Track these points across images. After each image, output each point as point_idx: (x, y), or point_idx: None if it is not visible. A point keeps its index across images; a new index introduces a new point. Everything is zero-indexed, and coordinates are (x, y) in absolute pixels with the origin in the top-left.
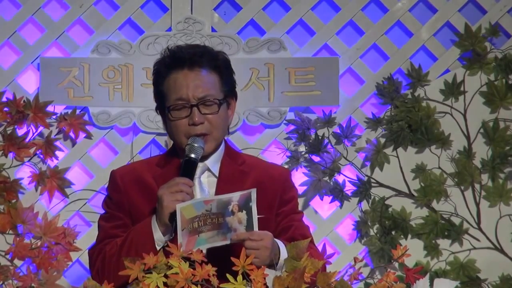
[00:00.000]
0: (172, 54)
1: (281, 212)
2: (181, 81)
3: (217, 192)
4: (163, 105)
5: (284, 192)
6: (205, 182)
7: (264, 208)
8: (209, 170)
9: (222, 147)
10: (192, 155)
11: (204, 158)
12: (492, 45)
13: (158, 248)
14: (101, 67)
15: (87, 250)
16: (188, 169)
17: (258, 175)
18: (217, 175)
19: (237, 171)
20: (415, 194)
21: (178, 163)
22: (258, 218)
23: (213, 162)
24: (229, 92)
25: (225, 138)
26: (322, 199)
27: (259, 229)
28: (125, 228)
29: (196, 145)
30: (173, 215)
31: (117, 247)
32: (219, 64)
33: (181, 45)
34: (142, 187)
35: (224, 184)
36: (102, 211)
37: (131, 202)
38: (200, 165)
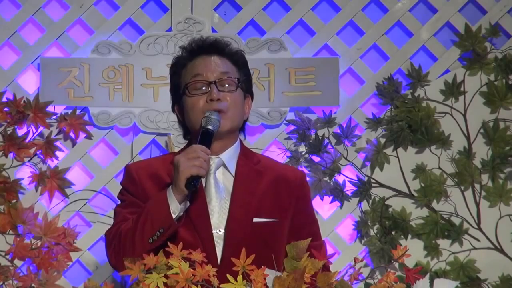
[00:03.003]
0: (190, 46)
1: (297, 223)
2: (199, 63)
3: (234, 191)
4: (179, 94)
5: (299, 198)
6: (220, 178)
7: (277, 211)
8: (224, 166)
9: (237, 144)
10: (209, 126)
11: (219, 152)
12: (492, 45)
13: (174, 216)
14: (101, 67)
15: (87, 251)
16: (205, 140)
17: (273, 176)
18: (233, 173)
19: (253, 170)
20: (415, 194)
21: None
22: (270, 222)
23: (229, 159)
24: (246, 84)
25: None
26: (322, 199)
27: (271, 234)
28: None
29: (213, 117)
30: (189, 181)
31: (132, 222)
32: (238, 58)
33: (200, 37)
34: (157, 183)
35: (240, 183)
36: (118, 202)
37: (146, 195)
38: (215, 160)
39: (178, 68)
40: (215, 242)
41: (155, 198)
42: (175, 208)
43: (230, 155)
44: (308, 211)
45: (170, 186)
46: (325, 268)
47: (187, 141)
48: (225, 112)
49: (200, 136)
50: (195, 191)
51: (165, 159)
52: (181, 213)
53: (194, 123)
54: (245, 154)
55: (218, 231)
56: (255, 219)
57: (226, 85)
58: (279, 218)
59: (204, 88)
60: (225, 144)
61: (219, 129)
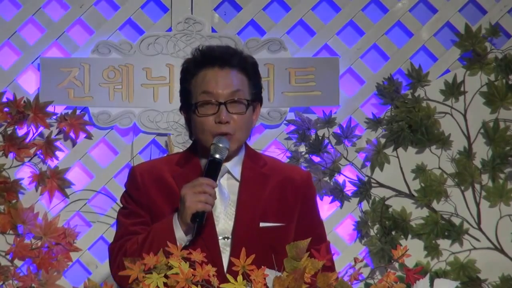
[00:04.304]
0: (203, 53)
1: (303, 226)
2: (210, 77)
3: (240, 196)
4: (188, 103)
5: (305, 200)
6: (225, 184)
7: (284, 215)
8: (229, 172)
9: (242, 148)
10: (217, 156)
11: (225, 160)
12: (492, 45)
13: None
14: (101, 67)
15: (87, 251)
16: (212, 170)
17: (279, 179)
18: (238, 178)
19: (258, 174)
20: (415, 194)
21: (198, 162)
22: (277, 226)
23: (234, 165)
24: (256, 95)
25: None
26: (322, 200)
27: (278, 238)
28: (145, 226)
29: (221, 145)
30: (195, 216)
31: (138, 245)
32: (248, 67)
33: (212, 45)
34: (162, 186)
35: (246, 188)
36: (121, 206)
37: (150, 200)
38: None
39: (188, 75)
40: (222, 249)
41: (162, 225)
42: (180, 237)
43: (235, 161)
44: (314, 213)
45: (177, 213)
46: (330, 269)
47: (186, 141)
48: (232, 135)
49: (207, 165)
50: (200, 225)
51: (170, 160)
52: (187, 243)
53: (202, 141)
54: (250, 157)
55: (225, 237)
56: (261, 224)
57: (236, 106)
58: (285, 222)
59: (213, 107)
60: (230, 154)
61: (228, 152)
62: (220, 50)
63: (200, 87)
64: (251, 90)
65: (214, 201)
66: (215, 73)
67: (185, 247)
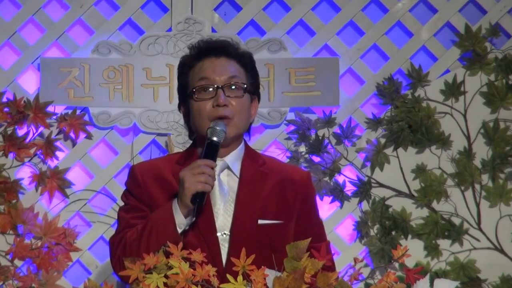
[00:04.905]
0: (199, 47)
1: (302, 225)
2: (207, 65)
3: (239, 193)
4: (185, 95)
5: (304, 199)
6: (224, 180)
7: (282, 213)
8: (228, 168)
9: (242, 145)
10: (214, 138)
11: (224, 154)
12: (492, 46)
13: (179, 231)
14: (102, 67)
15: (87, 251)
16: (210, 152)
17: (278, 178)
18: (237, 174)
19: (258, 172)
20: (415, 194)
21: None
22: (275, 224)
23: (233, 160)
24: (254, 87)
25: (245, 138)
26: (322, 200)
27: (276, 236)
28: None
29: (218, 128)
30: (195, 197)
31: (137, 234)
32: (246, 60)
33: (208, 38)
34: (162, 184)
35: (245, 185)
36: (122, 204)
37: (150, 198)
38: (219, 162)
39: (185, 68)
40: (220, 245)
41: (161, 211)
42: (181, 222)
43: (234, 157)
44: (313, 212)
45: (176, 198)
46: (330, 268)
47: (186, 141)
48: (231, 119)
49: (205, 148)
50: (201, 206)
51: (170, 159)
52: (187, 227)
53: (199, 128)
54: (250, 156)
55: (223, 233)
56: (260, 221)
57: (233, 90)
58: (284, 220)
59: (210, 92)
60: (230, 148)
61: (226, 136)
62: (216, 42)
63: (197, 75)
64: (248, 80)
65: (214, 182)
66: (211, 62)
67: (184, 232)
